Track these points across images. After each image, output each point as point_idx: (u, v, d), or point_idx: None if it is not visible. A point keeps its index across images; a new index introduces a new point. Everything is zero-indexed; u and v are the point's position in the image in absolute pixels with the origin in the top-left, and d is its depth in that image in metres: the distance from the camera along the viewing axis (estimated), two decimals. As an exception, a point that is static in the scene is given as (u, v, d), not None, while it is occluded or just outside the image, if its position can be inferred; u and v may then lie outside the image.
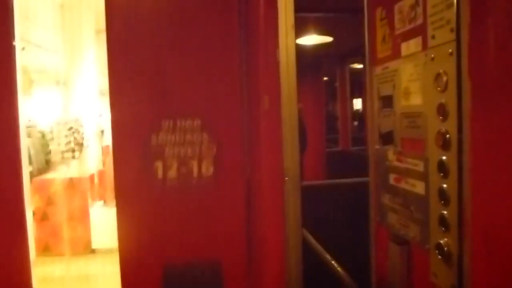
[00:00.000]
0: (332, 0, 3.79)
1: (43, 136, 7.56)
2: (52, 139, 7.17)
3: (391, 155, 1.47)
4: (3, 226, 1.92)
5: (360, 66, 6.81)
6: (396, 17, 1.44)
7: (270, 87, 1.58)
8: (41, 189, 6.49)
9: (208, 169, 2.01)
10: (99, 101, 8.20)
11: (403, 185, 1.39)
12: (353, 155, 5.18)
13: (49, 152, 7.30)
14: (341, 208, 2.73)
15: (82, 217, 6.67)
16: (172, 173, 1.98)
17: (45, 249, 6.45)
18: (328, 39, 4.70)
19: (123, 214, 2.01)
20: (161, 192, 2.00)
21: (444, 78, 1.16)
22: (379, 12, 1.58)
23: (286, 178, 1.47)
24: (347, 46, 5.47)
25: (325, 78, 7.08)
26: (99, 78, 8.23)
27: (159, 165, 1.99)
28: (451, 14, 1.13)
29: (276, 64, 1.46)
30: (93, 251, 6.71)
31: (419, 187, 1.29)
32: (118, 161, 1.96)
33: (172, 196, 2.01)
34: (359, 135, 6.46)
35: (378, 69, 1.58)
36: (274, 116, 1.53)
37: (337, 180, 3.03)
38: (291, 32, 1.46)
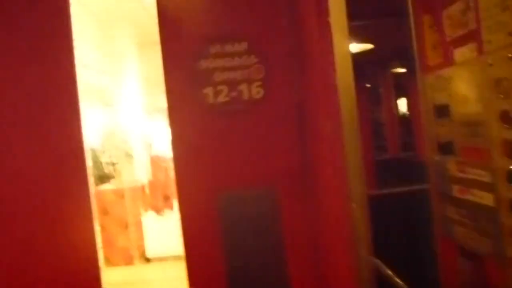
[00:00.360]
0: (370, 6, 3.74)
1: (94, 151, 7.85)
2: (103, 152, 7.41)
3: (452, 165, 1.42)
4: (75, 237, 2.02)
5: (403, 70, 6.65)
6: (446, 23, 1.40)
7: (330, 111, 1.56)
8: (96, 200, 6.71)
9: (258, 91, 2.00)
10: (146, 117, 8.39)
11: (468, 196, 1.34)
12: (404, 162, 5.04)
13: (100, 165, 7.57)
14: (397, 219, 2.65)
15: (136, 227, 6.85)
16: (223, 98, 1.98)
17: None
18: (369, 46, 4.62)
19: (178, 143, 2.01)
20: (212, 117, 2.00)
21: (506, 84, 1.11)
22: (427, 20, 1.54)
23: (353, 205, 1.44)
24: (389, 51, 5.37)
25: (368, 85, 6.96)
26: (144, 95, 8.41)
27: (209, 91, 1.99)
28: (508, 16, 1.09)
29: (334, 86, 1.45)
30: (148, 260, 6.86)
31: (487, 199, 1.23)
32: (170, 89, 1.99)
33: (223, 121, 2.01)
34: (407, 140, 6.28)
35: (431, 77, 1.53)
36: (336, 141, 1.50)
37: (392, 190, 2.95)
38: (348, 58, 1.45)
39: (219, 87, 2.00)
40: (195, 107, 2.02)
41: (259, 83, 2.00)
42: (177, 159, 2.04)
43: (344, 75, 1.41)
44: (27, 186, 2.02)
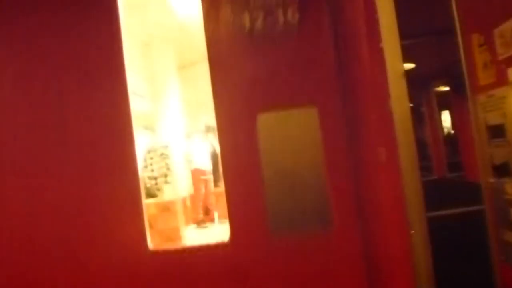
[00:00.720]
0: (411, 26, 3.70)
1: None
2: (145, 166, 7.55)
3: (509, 188, 1.36)
4: (130, 252, 2.07)
5: (446, 88, 6.49)
6: (498, 41, 1.37)
7: (385, 136, 1.53)
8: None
9: (293, 16, 2.01)
10: (186, 135, 8.51)
11: (529, 221, 1.27)
12: (451, 183, 4.86)
13: (142, 180, 7.72)
14: (450, 242, 2.55)
15: (178, 239, 6.88)
16: (260, 22, 2.00)
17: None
18: (410, 66, 4.56)
19: (217, 67, 2.04)
20: (251, 41, 2.02)
21: None
22: (476, 38, 1.50)
23: (412, 232, 1.39)
24: (431, 70, 5.26)
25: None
26: (185, 116, 8.54)
27: (246, 16, 2.02)
28: None
29: (390, 114, 1.44)
30: (191, 273, 6.84)
31: (551, 223, 1.17)
32: (208, 18, 2.04)
33: (261, 44, 2.02)
34: (454, 160, 6.07)
35: (482, 97, 1.49)
36: (392, 168, 1.48)
37: (442, 212, 2.85)
38: (402, 81, 1.44)
39: (256, 13, 2.04)
40: (233, 33, 2.06)
41: (294, 7, 2.04)
42: (215, 82, 2.06)
43: (400, 100, 1.40)
44: (85, 201, 2.09)
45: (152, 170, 7.41)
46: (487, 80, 1.46)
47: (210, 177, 7.85)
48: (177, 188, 7.53)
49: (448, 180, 5.08)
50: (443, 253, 2.48)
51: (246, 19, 2.06)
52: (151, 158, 7.50)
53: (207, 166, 7.87)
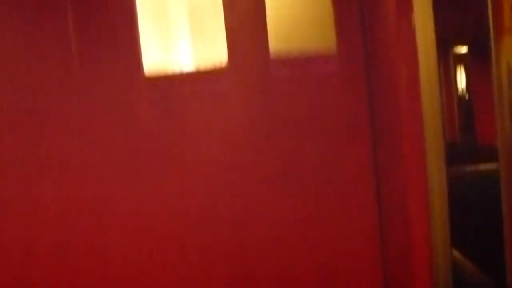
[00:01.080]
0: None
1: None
2: None
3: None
4: None
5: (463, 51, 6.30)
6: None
7: (406, 53, 1.39)
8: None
9: None
10: None
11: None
12: (461, 147, 4.81)
13: None
14: (463, 203, 2.49)
15: None
16: None
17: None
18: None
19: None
20: None
21: None
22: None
23: None
24: (449, 29, 5.08)
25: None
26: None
27: None
28: None
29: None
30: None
31: None
32: None
33: None
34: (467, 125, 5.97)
35: (507, 40, 1.37)
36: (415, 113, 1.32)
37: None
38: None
39: None
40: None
41: None
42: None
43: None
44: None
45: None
46: (513, 21, 1.34)
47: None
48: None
49: (456, 144, 5.02)
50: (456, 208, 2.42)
51: None
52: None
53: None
